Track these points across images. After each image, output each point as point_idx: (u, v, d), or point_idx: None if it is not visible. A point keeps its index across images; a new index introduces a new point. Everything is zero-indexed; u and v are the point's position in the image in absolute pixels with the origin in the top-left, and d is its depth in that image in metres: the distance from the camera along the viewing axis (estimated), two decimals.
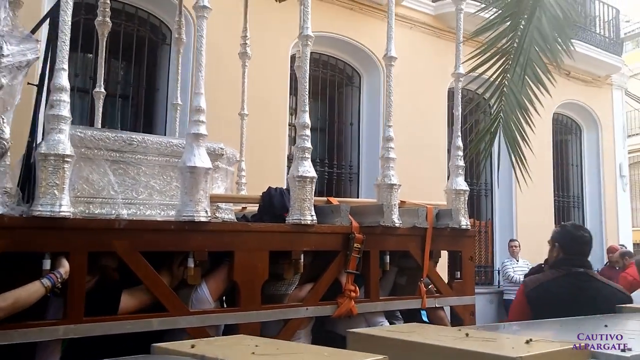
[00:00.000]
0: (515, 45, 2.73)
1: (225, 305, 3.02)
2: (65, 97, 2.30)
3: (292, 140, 7.19)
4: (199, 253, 2.58)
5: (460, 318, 3.57)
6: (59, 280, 2.19)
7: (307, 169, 2.94)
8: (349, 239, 3.08)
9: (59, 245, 2.24)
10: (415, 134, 7.59)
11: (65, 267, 2.22)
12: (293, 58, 6.61)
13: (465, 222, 3.59)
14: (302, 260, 2.92)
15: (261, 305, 2.76)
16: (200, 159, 2.58)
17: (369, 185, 7.50)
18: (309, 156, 3.00)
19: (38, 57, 2.29)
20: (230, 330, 2.75)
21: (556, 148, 10.58)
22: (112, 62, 6.13)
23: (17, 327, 2.14)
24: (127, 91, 6.46)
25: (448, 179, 3.71)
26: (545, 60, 2.75)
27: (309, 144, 3.00)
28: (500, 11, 2.88)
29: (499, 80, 2.85)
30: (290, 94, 7.08)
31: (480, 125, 2.97)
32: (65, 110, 2.28)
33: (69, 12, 2.34)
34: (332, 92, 7.93)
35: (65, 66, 2.31)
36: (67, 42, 2.32)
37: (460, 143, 3.71)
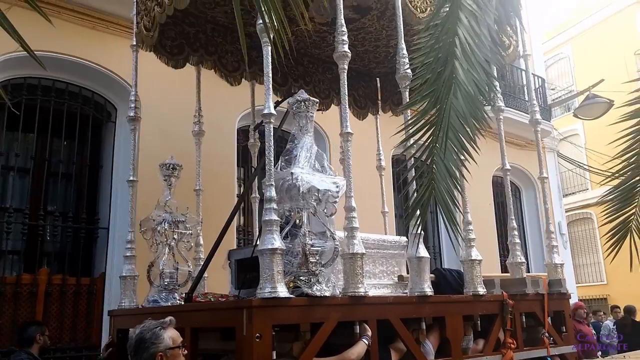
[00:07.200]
0: (439, 116, 2.87)
1: None
2: (355, 214, 3.42)
3: (242, 211, 7.21)
4: (428, 318, 3.66)
5: None
6: (370, 340, 3.21)
7: (476, 254, 4.09)
8: (502, 305, 4.20)
9: (362, 315, 3.29)
10: (364, 200, 6.44)
11: (369, 330, 3.25)
12: (239, 131, 7.11)
13: (566, 288, 4.78)
14: (479, 321, 4.02)
15: (462, 356, 3.82)
16: (424, 251, 3.70)
17: None
18: (474, 244, 4.16)
19: (345, 189, 3.38)
20: None
21: (498, 210, 10.64)
22: (54, 141, 6.04)
23: None
24: (70, 169, 6.19)
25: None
26: (467, 130, 2.89)
27: (473, 235, 4.17)
28: (422, 89, 3.00)
29: (429, 148, 2.90)
30: (238, 166, 7.21)
31: (415, 193, 3.12)
32: (357, 223, 3.39)
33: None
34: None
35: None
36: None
37: (552, 228, 5.00)
